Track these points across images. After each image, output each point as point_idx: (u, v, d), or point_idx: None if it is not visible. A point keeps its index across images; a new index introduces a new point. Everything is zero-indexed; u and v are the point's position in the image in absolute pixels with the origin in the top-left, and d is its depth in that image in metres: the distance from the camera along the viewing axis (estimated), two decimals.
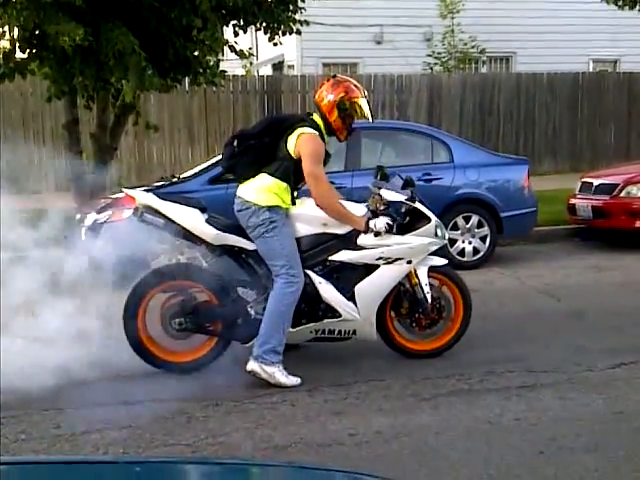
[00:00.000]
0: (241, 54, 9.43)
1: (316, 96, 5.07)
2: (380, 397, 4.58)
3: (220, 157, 8.28)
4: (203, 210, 4.97)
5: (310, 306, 4.91)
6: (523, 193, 8.61)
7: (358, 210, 5.00)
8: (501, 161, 8.95)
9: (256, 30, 9.71)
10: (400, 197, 5.00)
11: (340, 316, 4.94)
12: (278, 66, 19.02)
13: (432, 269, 5.17)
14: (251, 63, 14.32)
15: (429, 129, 9.22)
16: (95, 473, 1.57)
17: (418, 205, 5.08)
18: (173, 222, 4.88)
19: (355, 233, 4.95)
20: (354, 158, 7.94)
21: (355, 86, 5.04)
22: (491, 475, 3.60)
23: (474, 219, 8.31)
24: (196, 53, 9.01)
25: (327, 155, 4.99)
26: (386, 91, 15.07)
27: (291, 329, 4.85)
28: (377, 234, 4.89)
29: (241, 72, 15.73)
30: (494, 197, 8.37)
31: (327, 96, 4.96)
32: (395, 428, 4.12)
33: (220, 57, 9.86)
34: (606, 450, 3.83)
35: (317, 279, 4.92)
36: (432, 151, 8.34)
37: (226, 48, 9.54)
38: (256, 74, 16.54)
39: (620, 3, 14.08)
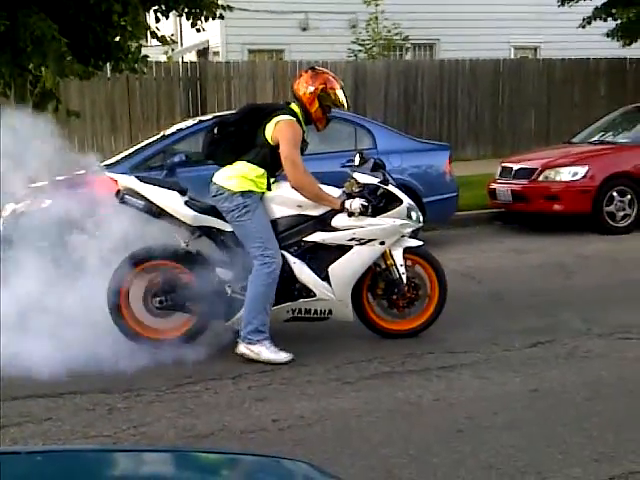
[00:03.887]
0: (163, 40, 9.32)
1: (294, 86, 5.21)
2: (304, 382, 4.62)
3: (144, 144, 8.25)
4: (183, 192, 5.12)
5: (285, 286, 5.02)
6: (445, 178, 8.76)
7: (334, 193, 5.14)
8: (423, 147, 9.07)
9: (178, 15, 9.60)
10: (373, 180, 5.15)
11: (315, 295, 5.07)
12: (203, 52, 18.84)
13: (407, 250, 5.29)
14: (172, 49, 14.15)
15: (352, 116, 9.25)
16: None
17: (391, 187, 5.22)
18: (153, 204, 5.03)
19: (329, 215, 5.08)
20: None
21: (333, 77, 5.22)
22: (411, 454, 3.68)
23: None
24: (117, 39, 8.87)
25: (305, 143, 5.13)
26: None
27: None
28: (351, 214, 5.02)
29: (164, 59, 15.55)
30: (416, 182, 8.47)
31: (307, 87, 5.11)
32: (318, 412, 4.18)
33: (143, 43, 9.73)
34: (521, 427, 3.96)
35: (292, 259, 5.06)
36: (355, 138, 8.40)
37: (149, 34, 9.41)
38: (180, 60, 16.36)
39: None
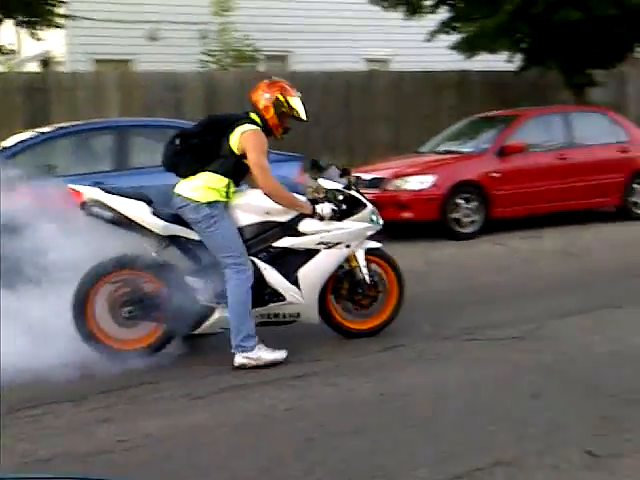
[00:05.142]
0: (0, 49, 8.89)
1: (253, 96, 5.29)
2: (151, 400, 4.49)
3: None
4: (149, 202, 5.11)
5: (256, 292, 5.07)
6: (297, 189, 8.76)
7: (300, 199, 5.30)
8: (275, 158, 9.03)
9: (15, 24, 9.19)
10: (337, 185, 5.36)
11: (285, 300, 5.18)
12: (46, 62, 18.11)
13: (367, 251, 5.47)
14: (13, 59, 13.51)
15: None
16: None
17: (354, 192, 5.42)
18: (121, 215, 5.01)
19: (296, 220, 5.21)
20: (124, 157, 7.73)
21: (289, 86, 5.34)
22: (262, 466, 3.63)
23: None
24: None
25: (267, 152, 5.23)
26: (161, 89, 14.79)
27: None
28: (322, 219, 5.17)
29: (3, 69, 14.81)
30: None
31: (264, 95, 5.22)
32: (166, 430, 4.05)
33: None
34: (370, 431, 3.99)
35: (262, 265, 5.15)
36: None
37: None
38: (21, 70, 15.66)
39: (385, 4, 14.76)
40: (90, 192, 5.14)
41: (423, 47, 16.39)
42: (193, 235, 5.08)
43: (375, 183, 9.97)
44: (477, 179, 10.02)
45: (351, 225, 5.34)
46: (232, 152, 5.06)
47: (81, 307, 4.96)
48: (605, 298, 6.48)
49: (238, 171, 5.10)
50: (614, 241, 9.48)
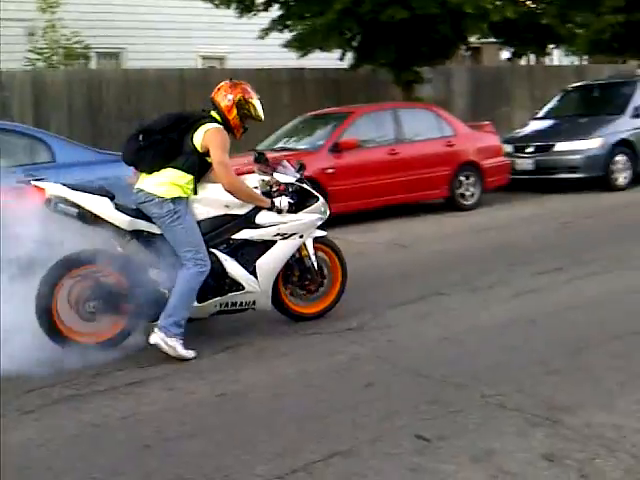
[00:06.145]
0: None
1: (215, 96, 5.49)
2: None
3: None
4: (112, 197, 5.22)
5: (217, 282, 5.35)
6: (132, 188, 8.60)
7: (259, 193, 5.55)
8: (108, 158, 8.81)
9: None
10: (291, 179, 5.68)
11: (243, 289, 5.44)
12: None
13: (315, 240, 5.87)
14: None
15: (26, 128, 8.77)
16: None
17: (306, 186, 5.78)
18: (86, 211, 5.10)
19: (254, 213, 5.47)
20: None
21: (250, 88, 5.58)
22: (95, 477, 3.54)
23: None
24: None
25: None
26: None
27: (198, 304, 5.29)
28: (280, 211, 5.47)
29: None
30: None
31: (226, 96, 5.44)
32: None
33: None
34: (209, 433, 3.97)
35: (223, 257, 5.40)
36: (31, 151, 7.99)
37: None
38: None
39: (217, 2, 14.70)
40: (53, 189, 5.18)
41: (259, 45, 16.45)
42: (156, 229, 5.24)
43: None
44: (313, 175, 10.13)
45: (305, 217, 5.67)
46: (195, 149, 5.26)
47: (45, 303, 4.99)
48: (434, 286, 6.78)
49: (201, 168, 5.30)
50: (442, 232, 9.94)
